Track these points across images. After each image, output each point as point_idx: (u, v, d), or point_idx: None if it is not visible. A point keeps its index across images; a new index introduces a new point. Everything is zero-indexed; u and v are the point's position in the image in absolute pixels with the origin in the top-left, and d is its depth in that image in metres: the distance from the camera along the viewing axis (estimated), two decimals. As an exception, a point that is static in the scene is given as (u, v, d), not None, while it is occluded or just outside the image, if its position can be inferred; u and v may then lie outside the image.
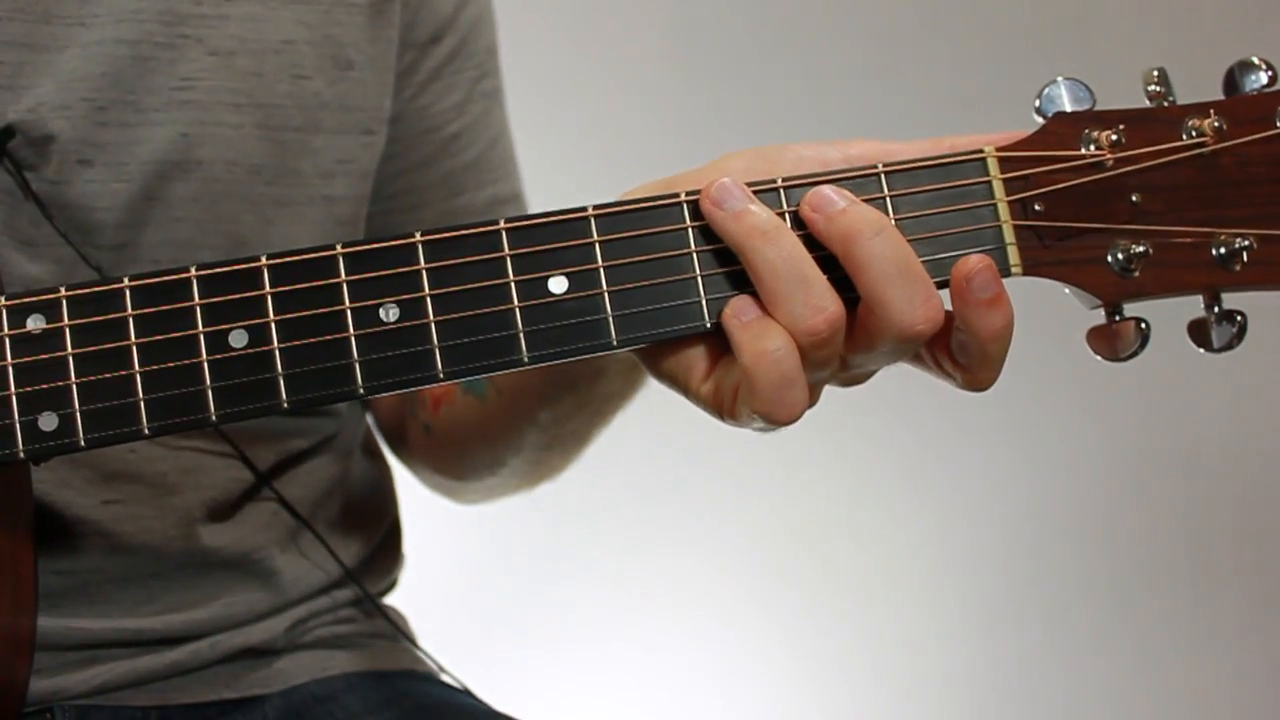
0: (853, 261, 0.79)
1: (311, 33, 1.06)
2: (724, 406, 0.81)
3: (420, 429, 1.16)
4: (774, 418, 0.79)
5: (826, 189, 0.80)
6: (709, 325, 0.81)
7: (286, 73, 1.05)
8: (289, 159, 1.05)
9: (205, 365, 0.81)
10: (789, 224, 0.80)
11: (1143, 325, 0.82)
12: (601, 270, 0.81)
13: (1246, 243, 0.82)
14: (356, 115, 1.08)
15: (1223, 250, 0.82)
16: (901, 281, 0.78)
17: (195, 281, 0.81)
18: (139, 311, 0.81)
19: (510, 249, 0.81)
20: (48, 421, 0.81)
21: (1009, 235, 0.82)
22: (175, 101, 1.00)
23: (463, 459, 1.16)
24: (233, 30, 1.03)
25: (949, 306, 0.80)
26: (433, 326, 0.80)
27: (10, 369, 0.81)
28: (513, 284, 0.80)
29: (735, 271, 0.81)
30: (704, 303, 0.80)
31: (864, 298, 0.79)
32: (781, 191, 0.81)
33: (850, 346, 0.80)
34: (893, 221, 0.80)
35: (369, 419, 1.23)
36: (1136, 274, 0.82)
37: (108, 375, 0.81)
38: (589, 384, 1.00)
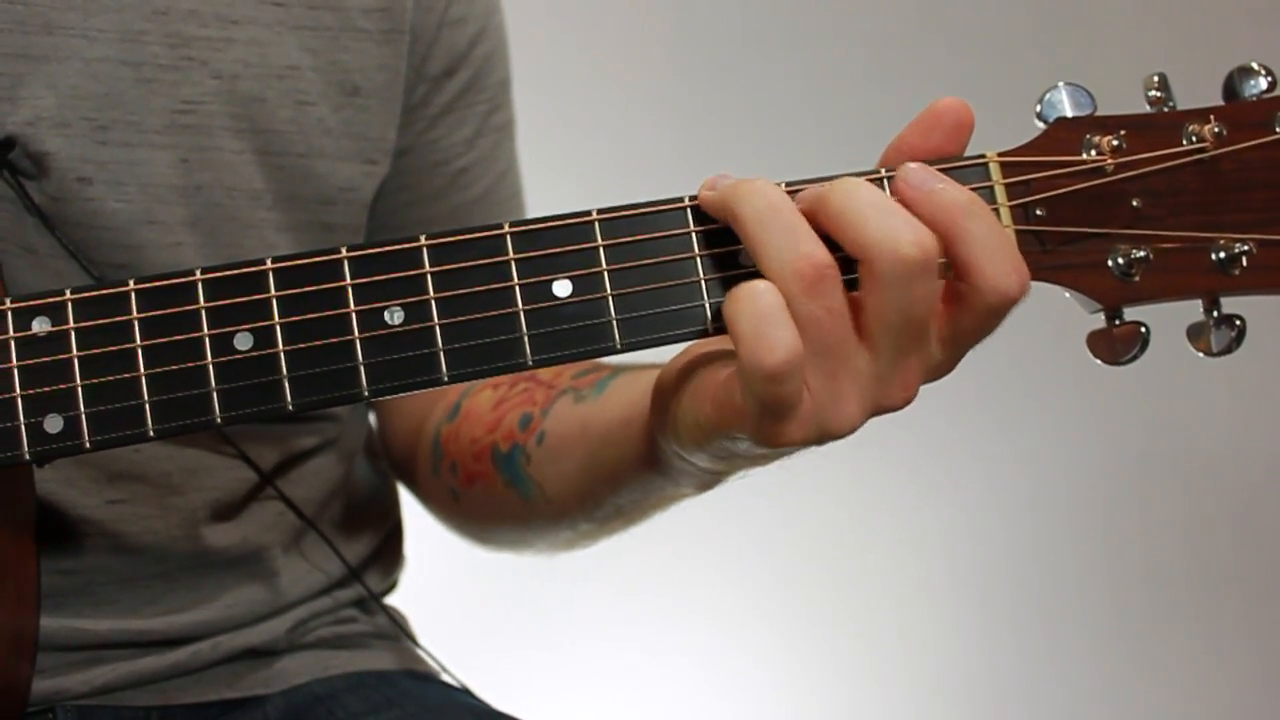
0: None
1: (317, 59, 1.05)
2: (734, 405, 0.79)
3: (446, 492, 1.14)
4: (759, 362, 0.75)
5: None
6: (711, 330, 0.81)
7: (290, 98, 1.04)
8: (289, 185, 1.05)
9: (210, 368, 0.81)
10: None
11: (1143, 329, 0.82)
12: (605, 274, 0.81)
13: (1246, 247, 0.82)
14: (360, 143, 1.08)
15: (1222, 255, 0.82)
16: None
17: (200, 285, 0.81)
18: (144, 314, 0.81)
19: (515, 253, 0.81)
20: (53, 424, 0.81)
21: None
22: (176, 125, 1.00)
23: (489, 533, 1.15)
24: (237, 54, 1.02)
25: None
26: (437, 329, 0.80)
27: (15, 371, 0.81)
28: (517, 287, 0.81)
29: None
30: (707, 307, 0.81)
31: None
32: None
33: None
34: None
35: (375, 432, 1.23)
36: (1137, 278, 0.82)
37: (113, 378, 0.81)
38: (638, 503, 0.99)
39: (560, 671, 2.19)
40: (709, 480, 0.91)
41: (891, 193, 0.79)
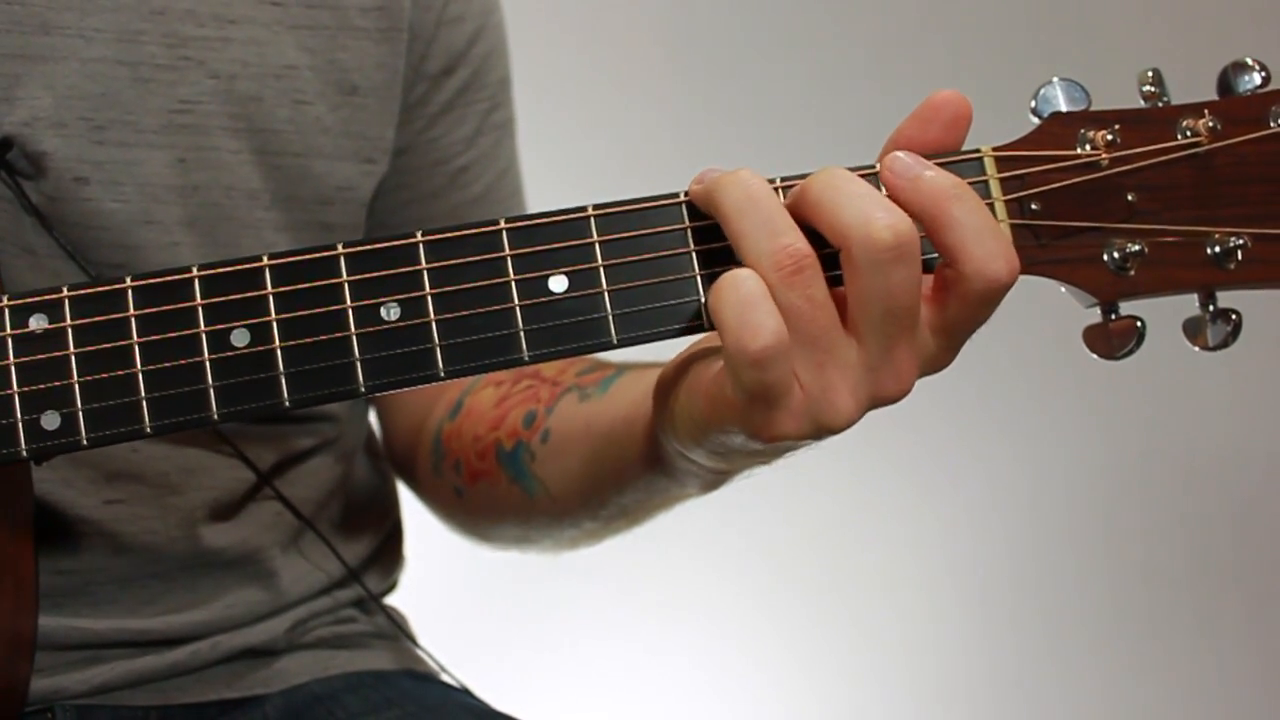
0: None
1: (314, 58, 1.05)
2: (725, 398, 0.79)
3: (449, 491, 1.14)
4: (743, 347, 0.75)
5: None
6: (706, 324, 0.81)
7: (287, 98, 1.04)
8: (287, 185, 1.05)
9: (207, 364, 0.81)
10: None
11: (1138, 324, 0.82)
12: (601, 269, 0.81)
13: (1241, 241, 0.82)
14: (358, 142, 1.08)
15: (1217, 249, 0.82)
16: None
17: (197, 281, 0.81)
18: (141, 311, 0.81)
19: (511, 248, 0.81)
20: (50, 420, 0.81)
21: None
22: (173, 125, 1.00)
23: (492, 531, 1.15)
24: (234, 54, 1.02)
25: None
26: (433, 325, 0.81)
27: (13, 368, 0.81)
28: (513, 283, 0.81)
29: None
30: (703, 302, 0.81)
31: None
32: (779, 191, 0.82)
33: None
34: None
35: (376, 431, 1.23)
36: (1132, 273, 0.82)
37: (110, 374, 0.81)
38: (642, 503, 0.99)
39: (560, 671, 2.19)
40: (713, 480, 0.90)
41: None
